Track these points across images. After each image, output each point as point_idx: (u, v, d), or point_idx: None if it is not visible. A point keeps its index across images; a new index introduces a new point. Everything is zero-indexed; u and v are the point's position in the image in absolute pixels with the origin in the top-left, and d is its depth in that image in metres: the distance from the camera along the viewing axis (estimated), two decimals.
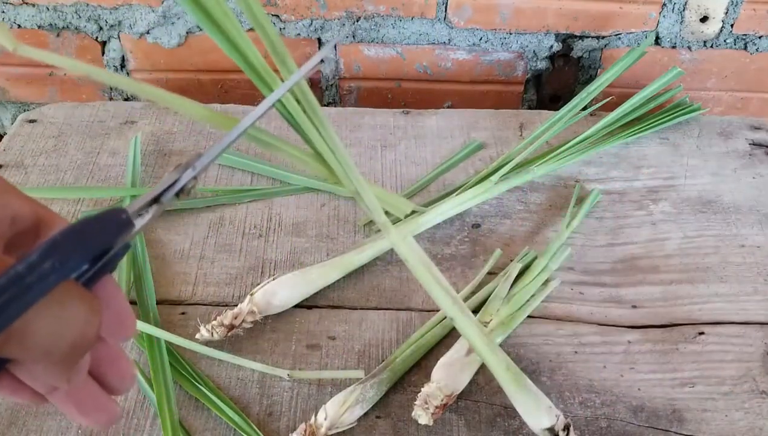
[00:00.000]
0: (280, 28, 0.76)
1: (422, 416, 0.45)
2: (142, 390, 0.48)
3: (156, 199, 0.30)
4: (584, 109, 0.69)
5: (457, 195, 0.61)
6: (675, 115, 0.71)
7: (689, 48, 0.78)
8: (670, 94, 0.72)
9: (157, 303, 0.54)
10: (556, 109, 0.70)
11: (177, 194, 0.31)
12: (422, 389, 0.46)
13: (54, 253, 0.24)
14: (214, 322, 0.50)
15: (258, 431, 0.46)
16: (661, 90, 0.70)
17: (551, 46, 0.78)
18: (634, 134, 0.68)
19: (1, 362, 0.25)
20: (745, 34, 0.76)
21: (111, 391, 0.30)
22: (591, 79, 0.80)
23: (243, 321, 0.50)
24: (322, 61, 0.35)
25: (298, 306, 0.54)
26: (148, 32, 0.77)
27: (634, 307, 0.55)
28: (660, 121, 0.70)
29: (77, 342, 0.24)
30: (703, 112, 0.72)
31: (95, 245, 0.26)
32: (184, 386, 0.48)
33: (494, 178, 0.61)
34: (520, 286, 0.54)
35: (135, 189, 0.62)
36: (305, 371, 0.49)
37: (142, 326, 0.50)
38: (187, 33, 0.77)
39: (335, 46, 0.78)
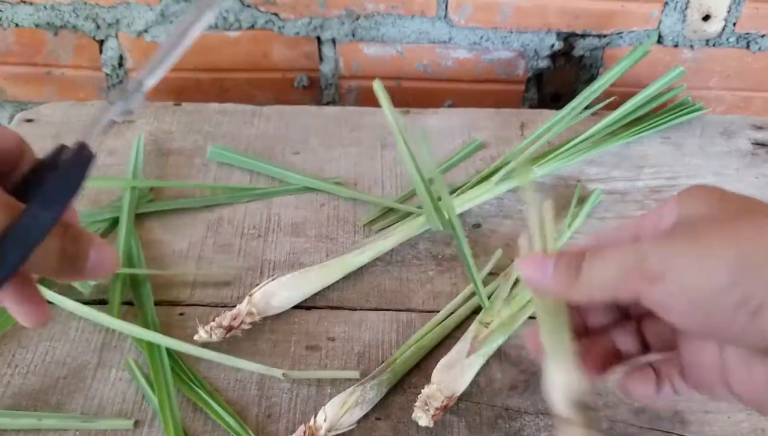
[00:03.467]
0: (279, 27, 0.76)
1: (422, 418, 0.45)
2: (142, 391, 0.48)
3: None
4: (586, 108, 0.68)
5: (457, 195, 0.61)
6: (677, 114, 0.70)
7: (691, 47, 0.77)
8: (672, 94, 0.71)
9: (155, 304, 0.53)
10: (558, 108, 0.69)
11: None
12: (422, 391, 0.46)
13: (49, 205, 0.28)
14: (212, 323, 0.50)
15: (255, 435, 0.46)
16: (663, 89, 0.70)
17: (552, 45, 0.78)
18: (636, 134, 0.68)
19: None
20: (748, 33, 0.76)
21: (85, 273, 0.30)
22: (593, 78, 0.79)
23: (242, 322, 0.50)
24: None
25: (297, 307, 0.53)
26: (146, 31, 0.76)
27: None
28: (662, 121, 0.69)
29: None
30: (705, 112, 0.71)
31: (75, 190, 0.29)
32: (182, 388, 0.48)
33: (495, 178, 0.61)
34: (522, 286, 0.53)
35: (136, 180, 0.62)
36: (299, 371, 0.49)
37: (139, 330, 0.50)
38: None
39: (333, 40, 0.77)
